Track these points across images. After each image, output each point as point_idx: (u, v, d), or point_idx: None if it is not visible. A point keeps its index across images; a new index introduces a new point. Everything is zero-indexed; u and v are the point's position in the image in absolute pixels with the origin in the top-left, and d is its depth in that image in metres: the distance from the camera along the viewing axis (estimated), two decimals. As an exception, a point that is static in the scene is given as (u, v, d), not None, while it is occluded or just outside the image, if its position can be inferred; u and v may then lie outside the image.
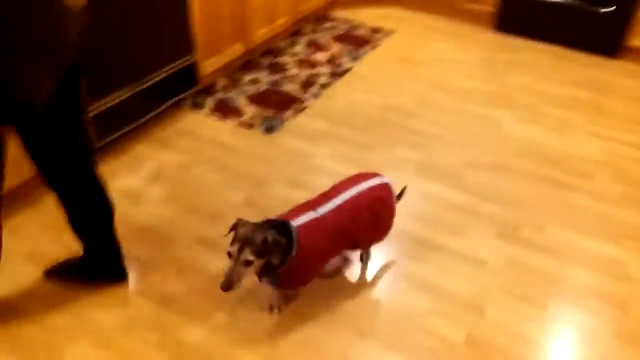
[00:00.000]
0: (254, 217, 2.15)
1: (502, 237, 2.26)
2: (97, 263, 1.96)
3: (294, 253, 1.67)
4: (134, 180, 2.50)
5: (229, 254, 1.59)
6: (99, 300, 1.93)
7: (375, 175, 1.96)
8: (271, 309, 1.92)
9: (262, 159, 2.68)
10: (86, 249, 1.92)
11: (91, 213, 1.82)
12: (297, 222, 1.73)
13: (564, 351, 1.83)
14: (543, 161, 2.72)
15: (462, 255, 2.17)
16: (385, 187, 1.93)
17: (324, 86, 3.29)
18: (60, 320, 1.86)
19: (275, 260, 1.64)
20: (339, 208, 1.80)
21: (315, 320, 1.89)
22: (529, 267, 2.13)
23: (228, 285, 1.55)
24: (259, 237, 1.59)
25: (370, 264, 2.11)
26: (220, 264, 2.08)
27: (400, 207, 2.19)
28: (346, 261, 2.13)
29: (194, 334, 1.82)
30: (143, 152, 2.68)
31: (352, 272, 2.09)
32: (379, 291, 2.01)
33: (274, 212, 2.31)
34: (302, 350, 1.79)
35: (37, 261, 2.06)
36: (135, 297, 1.94)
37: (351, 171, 2.58)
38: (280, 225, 1.70)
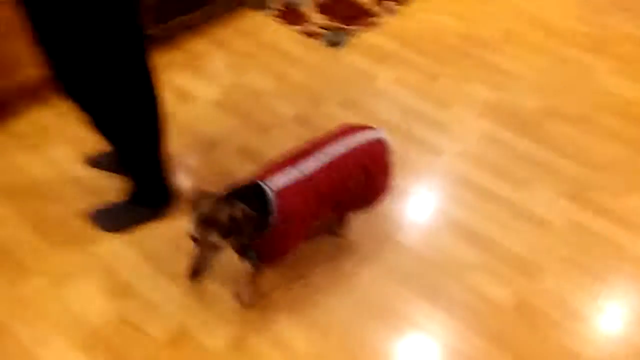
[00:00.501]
0: (303, 135, 2.00)
1: (572, 198, 2.02)
2: (142, 186, 1.76)
3: (271, 221, 1.36)
4: (186, 78, 2.37)
5: (193, 238, 1.28)
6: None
7: (368, 128, 1.59)
8: (240, 300, 1.63)
9: (321, 74, 2.48)
10: (131, 173, 1.73)
11: (140, 115, 1.56)
12: (275, 183, 1.39)
13: (616, 333, 1.65)
14: (633, 121, 2.40)
15: (523, 211, 1.96)
16: (381, 144, 1.57)
17: (401, 2, 3.00)
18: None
19: (246, 240, 1.35)
20: (327, 167, 1.46)
21: (354, 263, 1.77)
22: (595, 235, 1.90)
23: (195, 273, 1.28)
24: (224, 214, 1.27)
25: (414, 210, 1.94)
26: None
27: (460, 149, 1.99)
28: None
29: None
30: (199, 50, 2.53)
31: (390, 217, 1.93)
32: (424, 238, 1.85)
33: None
34: (341, 291, 1.68)
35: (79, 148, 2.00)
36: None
37: (413, 101, 2.39)
38: (253, 189, 1.38)
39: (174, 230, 1.77)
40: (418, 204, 1.96)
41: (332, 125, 2.19)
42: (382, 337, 1.57)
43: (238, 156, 2.05)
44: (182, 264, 1.40)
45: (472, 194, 2.01)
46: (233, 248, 1.38)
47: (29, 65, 1.91)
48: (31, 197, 1.82)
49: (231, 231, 1.28)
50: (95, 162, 1.94)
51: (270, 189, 1.36)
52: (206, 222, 1.27)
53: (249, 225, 1.31)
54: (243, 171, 1.98)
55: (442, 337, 1.58)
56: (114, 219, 1.77)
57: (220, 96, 2.30)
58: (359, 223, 1.83)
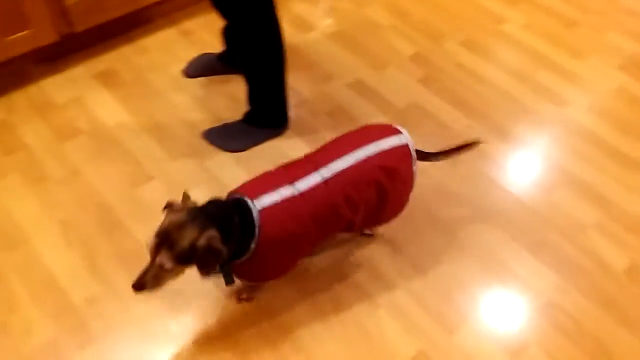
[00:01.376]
0: (417, 76, 1.94)
1: None
2: (262, 108, 1.83)
3: (253, 245, 1.18)
4: (306, 7, 2.37)
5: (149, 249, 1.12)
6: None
7: (391, 131, 1.35)
8: (238, 297, 1.47)
9: (443, 11, 2.36)
10: (251, 90, 1.79)
11: (262, 39, 1.63)
12: (262, 201, 1.20)
13: None
14: None
15: (653, 175, 1.79)
16: (403, 152, 1.34)
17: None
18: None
19: (205, 272, 1.12)
20: (329, 183, 1.25)
21: (462, 210, 1.72)
22: None
23: (139, 286, 1.10)
24: (186, 239, 1.08)
25: (529, 161, 1.83)
26: (369, 116, 1.93)
27: (590, 102, 1.82)
28: None
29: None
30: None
31: (504, 167, 1.84)
32: (539, 192, 1.75)
33: (441, 76, 2.08)
34: (444, 234, 1.65)
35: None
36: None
37: (543, 48, 2.21)
38: (236, 205, 1.19)
39: (280, 153, 1.82)
40: (536, 156, 1.85)
41: (449, 67, 2.12)
42: (481, 282, 1.53)
43: (351, 91, 2.03)
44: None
45: (597, 151, 1.85)
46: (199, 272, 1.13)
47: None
48: (157, 110, 1.94)
49: (186, 258, 1.09)
50: (194, 69, 2.04)
51: (256, 208, 1.18)
52: (163, 238, 1.08)
53: (211, 258, 1.11)
54: (355, 107, 1.97)
55: (545, 292, 1.51)
56: (229, 137, 1.85)
57: (338, 27, 2.28)
58: (466, 168, 1.77)
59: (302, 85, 2.04)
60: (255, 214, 1.18)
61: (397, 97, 2.00)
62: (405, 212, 1.45)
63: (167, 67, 2.07)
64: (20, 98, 1.94)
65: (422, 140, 1.47)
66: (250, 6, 1.54)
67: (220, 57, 2.02)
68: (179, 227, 1.09)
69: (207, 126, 1.88)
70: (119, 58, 2.09)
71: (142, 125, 1.88)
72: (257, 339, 1.40)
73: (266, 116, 1.85)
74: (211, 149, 1.82)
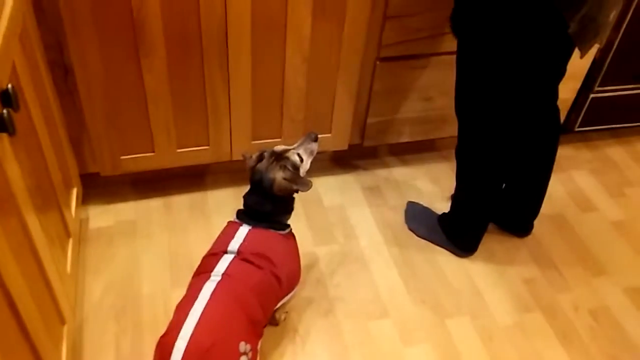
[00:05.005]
0: None
1: None
2: (457, 221, 1.81)
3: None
4: (587, 180, 2.17)
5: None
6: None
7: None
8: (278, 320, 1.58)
9: None
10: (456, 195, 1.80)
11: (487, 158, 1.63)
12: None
13: None
14: None
15: None
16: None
17: None
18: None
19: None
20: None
21: None
22: None
23: None
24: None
25: None
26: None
27: None
28: None
29: None
30: (615, 159, 2.28)
31: None
32: None
33: None
34: None
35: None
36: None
37: None
38: None
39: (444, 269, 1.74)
40: None
41: None
42: None
43: (626, 298, 1.76)
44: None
45: None
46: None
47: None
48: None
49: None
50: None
51: None
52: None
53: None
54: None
55: None
56: (419, 221, 1.91)
57: (623, 217, 2.03)
58: None
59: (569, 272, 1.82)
60: None
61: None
62: None
63: (431, 199, 2.02)
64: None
65: None
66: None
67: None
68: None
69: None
70: (386, 178, 2.11)
71: (393, 255, 1.83)
72: None
73: (454, 229, 1.82)
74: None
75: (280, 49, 1.65)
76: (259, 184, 1.33)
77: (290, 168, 1.33)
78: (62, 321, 1.32)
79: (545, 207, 1.87)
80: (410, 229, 1.91)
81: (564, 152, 2.26)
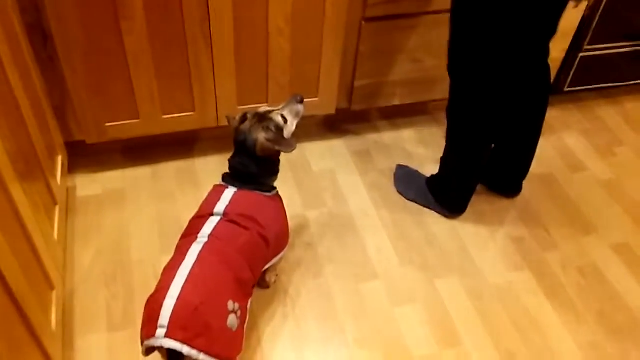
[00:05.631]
0: None
1: None
2: (444, 182, 1.82)
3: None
4: (577, 141, 2.16)
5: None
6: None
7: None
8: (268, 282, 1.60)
9: None
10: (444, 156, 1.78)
11: (478, 115, 1.62)
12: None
13: None
14: None
15: None
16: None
17: None
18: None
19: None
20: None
21: None
22: None
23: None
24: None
25: None
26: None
27: None
28: None
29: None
30: (605, 119, 2.28)
31: None
32: None
33: None
34: None
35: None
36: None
37: None
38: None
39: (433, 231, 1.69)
40: None
41: None
42: None
43: (613, 253, 1.77)
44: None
45: None
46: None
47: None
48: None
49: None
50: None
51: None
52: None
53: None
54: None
55: None
56: (408, 184, 1.91)
57: (613, 176, 2.03)
58: None
59: (541, 205, 1.83)
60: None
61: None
62: None
63: (421, 162, 2.02)
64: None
65: None
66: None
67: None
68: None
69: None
70: (376, 142, 2.10)
71: (382, 217, 1.83)
72: None
73: (442, 190, 1.83)
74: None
75: (262, 10, 1.62)
76: (243, 144, 1.32)
77: (273, 129, 1.31)
78: (51, 286, 1.32)
79: (535, 168, 1.88)
80: (399, 192, 1.91)
81: (554, 113, 2.25)
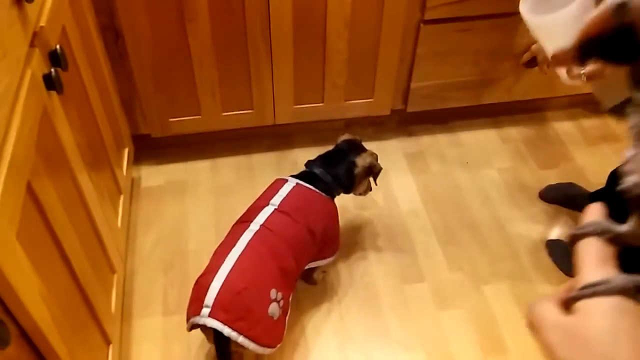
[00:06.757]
0: None
1: None
2: None
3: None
4: None
5: None
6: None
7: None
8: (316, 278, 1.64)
9: None
10: None
11: None
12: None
13: None
14: None
15: None
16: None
17: None
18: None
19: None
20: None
21: None
22: None
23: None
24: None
25: None
26: None
27: None
28: None
29: None
30: None
31: None
32: None
33: None
34: None
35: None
36: None
37: None
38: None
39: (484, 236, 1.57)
40: None
41: None
42: None
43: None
44: None
45: None
46: None
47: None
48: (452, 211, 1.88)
49: None
50: (552, 195, 1.90)
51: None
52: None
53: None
54: None
55: None
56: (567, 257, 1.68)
57: None
58: None
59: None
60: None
61: None
62: None
63: (478, 168, 2.00)
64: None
65: None
66: None
67: (593, 195, 1.75)
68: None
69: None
70: (430, 144, 2.10)
71: (433, 221, 1.83)
72: None
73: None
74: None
75: (321, 14, 1.66)
76: (346, 154, 1.51)
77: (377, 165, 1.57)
78: (112, 270, 1.42)
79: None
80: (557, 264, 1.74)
81: None
